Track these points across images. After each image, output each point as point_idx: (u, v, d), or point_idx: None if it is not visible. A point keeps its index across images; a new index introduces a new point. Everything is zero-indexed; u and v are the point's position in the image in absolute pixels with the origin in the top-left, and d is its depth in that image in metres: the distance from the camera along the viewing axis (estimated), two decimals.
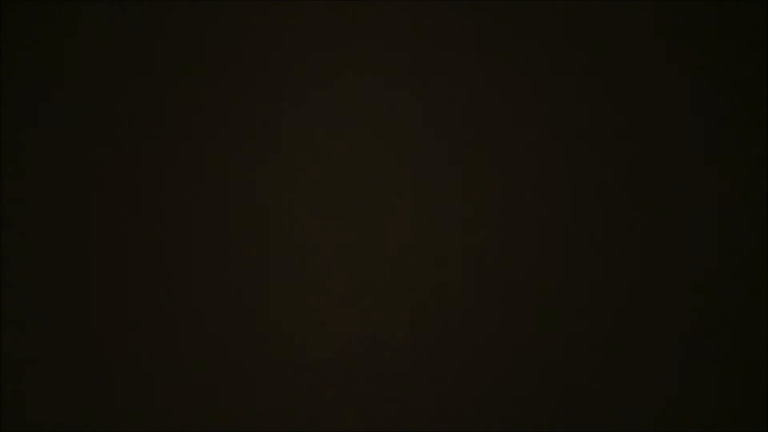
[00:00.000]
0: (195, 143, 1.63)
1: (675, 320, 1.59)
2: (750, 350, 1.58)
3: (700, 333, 1.59)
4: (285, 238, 1.61)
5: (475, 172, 1.61)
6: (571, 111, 1.61)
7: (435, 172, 1.61)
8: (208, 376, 1.60)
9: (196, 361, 1.61)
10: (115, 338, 1.61)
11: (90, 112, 1.64)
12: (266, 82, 1.63)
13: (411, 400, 1.60)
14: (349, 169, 1.62)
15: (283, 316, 1.61)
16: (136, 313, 1.61)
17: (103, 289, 1.61)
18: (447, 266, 1.60)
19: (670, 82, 1.61)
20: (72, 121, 1.63)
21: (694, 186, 1.60)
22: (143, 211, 1.62)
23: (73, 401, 1.61)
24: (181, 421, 1.60)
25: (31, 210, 1.62)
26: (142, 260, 1.62)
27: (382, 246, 1.61)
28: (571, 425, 1.59)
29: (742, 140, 1.60)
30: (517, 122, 1.62)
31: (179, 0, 1.64)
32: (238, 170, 1.62)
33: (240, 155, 1.62)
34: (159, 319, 1.61)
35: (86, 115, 1.64)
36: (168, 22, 1.64)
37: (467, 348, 1.60)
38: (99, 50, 1.64)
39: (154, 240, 1.62)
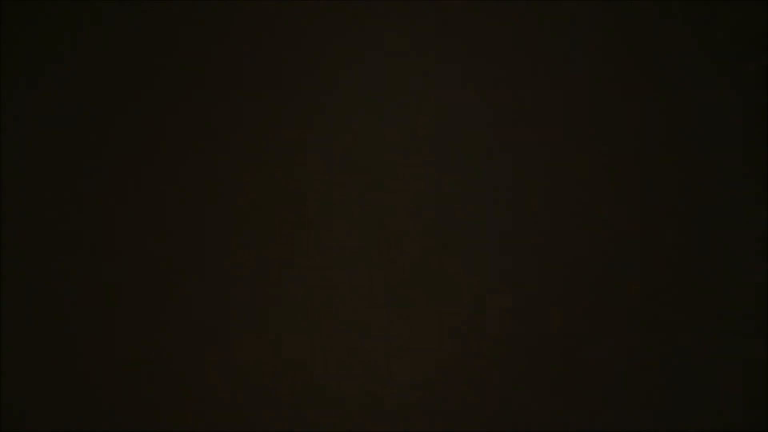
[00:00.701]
0: (194, 144, 1.63)
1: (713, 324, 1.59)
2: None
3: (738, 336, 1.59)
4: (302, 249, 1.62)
5: (515, 174, 1.61)
6: (606, 116, 1.61)
7: (461, 180, 1.61)
8: (209, 377, 1.61)
9: (196, 361, 1.61)
10: (116, 342, 1.61)
11: (91, 112, 1.64)
12: (269, 84, 1.63)
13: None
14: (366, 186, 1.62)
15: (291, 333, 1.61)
16: (136, 318, 1.61)
17: (104, 292, 1.62)
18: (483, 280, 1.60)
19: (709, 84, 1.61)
20: (73, 121, 1.64)
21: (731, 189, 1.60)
22: (144, 212, 1.62)
23: (73, 402, 1.61)
24: (178, 423, 1.61)
25: (31, 210, 1.63)
26: (148, 275, 1.62)
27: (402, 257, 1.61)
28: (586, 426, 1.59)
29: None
30: (546, 125, 1.62)
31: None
32: (243, 178, 1.62)
33: (242, 158, 1.62)
34: (159, 324, 1.61)
35: (87, 116, 1.64)
36: (171, 21, 1.64)
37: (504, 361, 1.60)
38: (101, 51, 1.64)
39: (159, 247, 1.62)
